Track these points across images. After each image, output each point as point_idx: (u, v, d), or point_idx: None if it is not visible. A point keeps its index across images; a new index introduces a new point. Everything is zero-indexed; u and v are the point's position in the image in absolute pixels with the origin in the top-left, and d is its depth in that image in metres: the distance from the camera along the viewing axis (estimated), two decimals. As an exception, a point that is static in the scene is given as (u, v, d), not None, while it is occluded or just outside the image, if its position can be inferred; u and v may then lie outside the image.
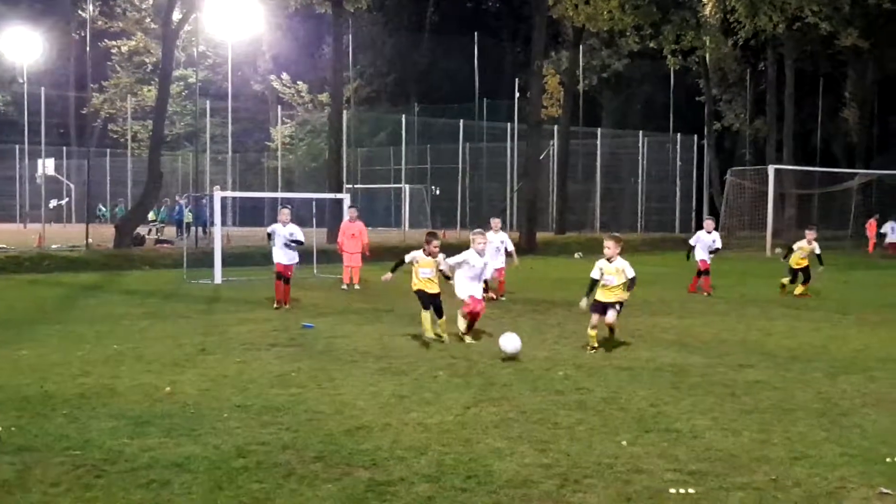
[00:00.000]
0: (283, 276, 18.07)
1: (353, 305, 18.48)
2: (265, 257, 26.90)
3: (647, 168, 53.22)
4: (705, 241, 21.95)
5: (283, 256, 18.16)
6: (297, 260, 18.59)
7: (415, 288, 13.89)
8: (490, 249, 18.08)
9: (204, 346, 12.78)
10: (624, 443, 7.82)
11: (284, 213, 18.64)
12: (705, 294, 21.18)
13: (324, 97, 56.53)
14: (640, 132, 53.96)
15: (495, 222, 20.79)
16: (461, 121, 51.34)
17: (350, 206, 23.94)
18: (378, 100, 67.03)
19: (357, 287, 21.85)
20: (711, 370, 11.22)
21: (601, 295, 12.86)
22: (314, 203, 28.59)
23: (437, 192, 53.69)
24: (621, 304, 12.88)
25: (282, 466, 7.11)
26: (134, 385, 10.17)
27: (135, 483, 6.69)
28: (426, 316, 13.62)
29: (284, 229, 18.32)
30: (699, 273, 21.88)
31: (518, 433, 8.13)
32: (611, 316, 12.75)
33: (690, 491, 6.57)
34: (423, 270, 13.79)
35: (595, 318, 12.74)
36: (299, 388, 10.09)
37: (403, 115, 53.58)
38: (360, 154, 56.93)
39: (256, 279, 24.21)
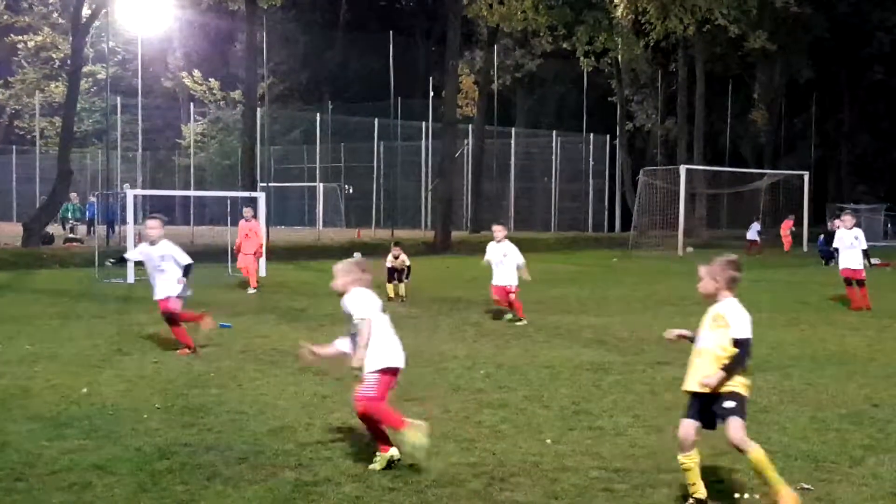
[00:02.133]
0: (170, 316, 12.42)
1: (269, 305, 18.31)
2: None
3: (560, 167, 53.73)
4: (846, 240, 18.47)
5: (161, 287, 12.42)
6: (183, 290, 12.51)
7: None
8: (494, 262, 16.51)
9: (120, 347, 12.54)
10: (549, 441, 7.89)
11: (152, 226, 12.53)
12: (864, 309, 17.90)
13: (236, 94, 55.90)
14: (554, 132, 54.46)
15: (498, 229, 16.85)
16: (376, 119, 51.20)
17: (246, 206, 23.24)
18: (291, 98, 66.48)
19: (253, 290, 20.69)
20: (631, 368, 11.38)
21: (692, 371, 6.39)
22: (228, 201, 28.27)
23: (351, 190, 53.49)
24: (738, 398, 6.29)
25: (206, 468, 7.02)
26: (50, 386, 9.96)
27: (56, 486, 6.57)
28: None
29: (154, 250, 12.41)
30: (850, 282, 18.35)
31: (443, 432, 8.13)
32: (733, 429, 6.27)
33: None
34: None
35: (687, 426, 6.41)
36: (220, 388, 9.98)
37: (317, 114, 53.24)
38: (274, 152, 56.43)
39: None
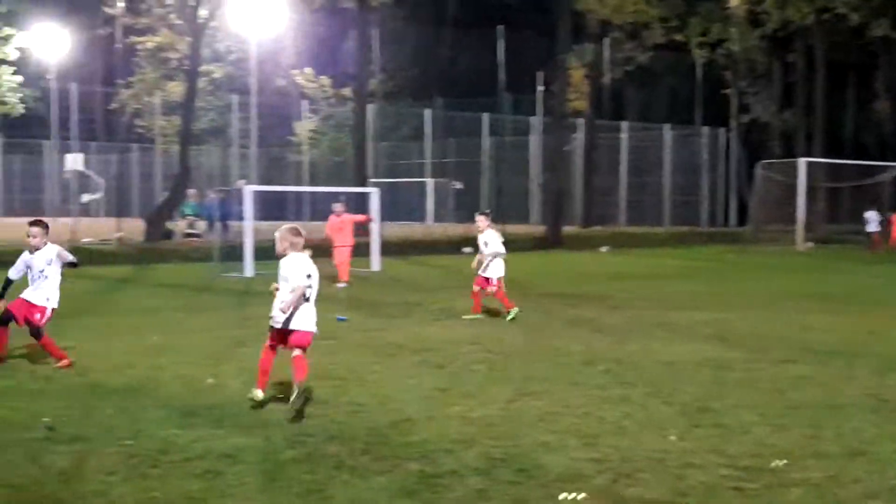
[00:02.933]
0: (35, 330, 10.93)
1: (383, 299, 18.46)
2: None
3: (672, 161, 52.92)
4: None
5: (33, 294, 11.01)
6: (50, 302, 11.08)
7: None
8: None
9: (241, 339, 12.78)
10: (673, 438, 7.76)
11: (35, 234, 10.91)
12: None
13: (347, 91, 56.57)
14: (666, 125, 53.68)
15: (480, 219, 16.26)
16: (485, 115, 51.23)
17: (336, 202, 23.35)
18: (400, 94, 66.94)
19: (344, 284, 20.78)
20: (753, 365, 11.12)
21: None
22: (347, 197, 28.57)
23: (460, 186, 53.63)
24: None
25: (331, 458, 7.11)
26: (177, 376, 10.22)
27: (189, 473, 6.74)
28: None
29: (38, 258, 10.95)
30: None
31: (564, 427, 8.09)
32: None
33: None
34: None
35: None
36: (340, 380, 10.08)
37: (429, 110, 53.52)
38: (383, 148, 56.95)
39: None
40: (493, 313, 15.75)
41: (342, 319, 15.06)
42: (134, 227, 34.92)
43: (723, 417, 8.46)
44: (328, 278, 20.78)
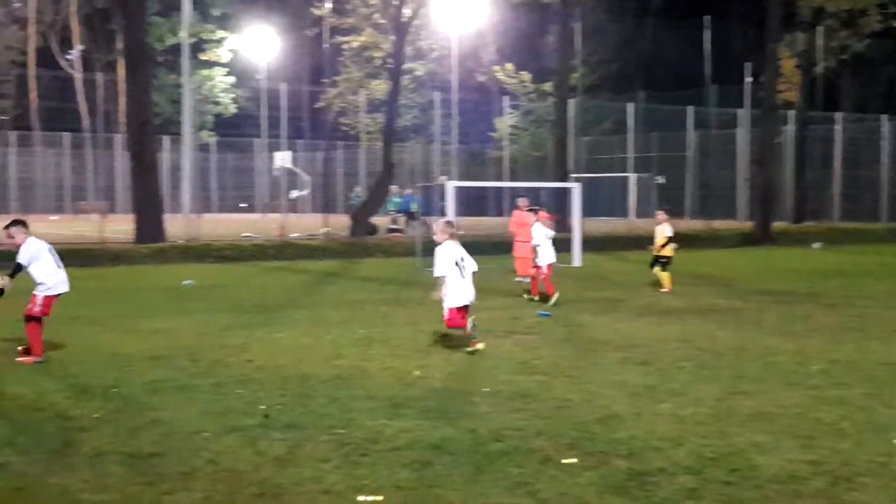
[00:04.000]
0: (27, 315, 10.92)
1: (586, 294, 18.30)
2: (495, 247, 27.06)
3: (890, 154, 50.25)
4: None
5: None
6: (41, 288, 10.97)
7: None
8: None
9: (444, 333, 12.92)
10: (896, 441, 7.37)
11: (11, 234, 11.16)
12: None
13: (547, 86, 56.48)
14: (883, 116, 51.04)
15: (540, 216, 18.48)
16: (690, 108, 50.12)
17: (521, 196, 23.16)
18: (601, 88, 66.30)
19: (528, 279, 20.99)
20: None
21: None
22: (547, 193, 28.58)
23: (663, 180, 52.67)
24: None
25: (538, 452, 7.08)
26: (384, 368, 10.43)
27: (398, 462, 6.84)
28: None
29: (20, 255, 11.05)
30: None
31: (778, 428, 7.81)
32: None
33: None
34: None
35: None
36: (544, 375, 10.06)
37: (631, 103, 52.81)
38: (585, 143, 56.56)
39: (488, 268, 24.37)
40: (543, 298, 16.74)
41: (545, 315, 15.03)
42: (339, 223, 35.95)
43: (952, 422, 7.96)
44: (512, 272, 21.05)
